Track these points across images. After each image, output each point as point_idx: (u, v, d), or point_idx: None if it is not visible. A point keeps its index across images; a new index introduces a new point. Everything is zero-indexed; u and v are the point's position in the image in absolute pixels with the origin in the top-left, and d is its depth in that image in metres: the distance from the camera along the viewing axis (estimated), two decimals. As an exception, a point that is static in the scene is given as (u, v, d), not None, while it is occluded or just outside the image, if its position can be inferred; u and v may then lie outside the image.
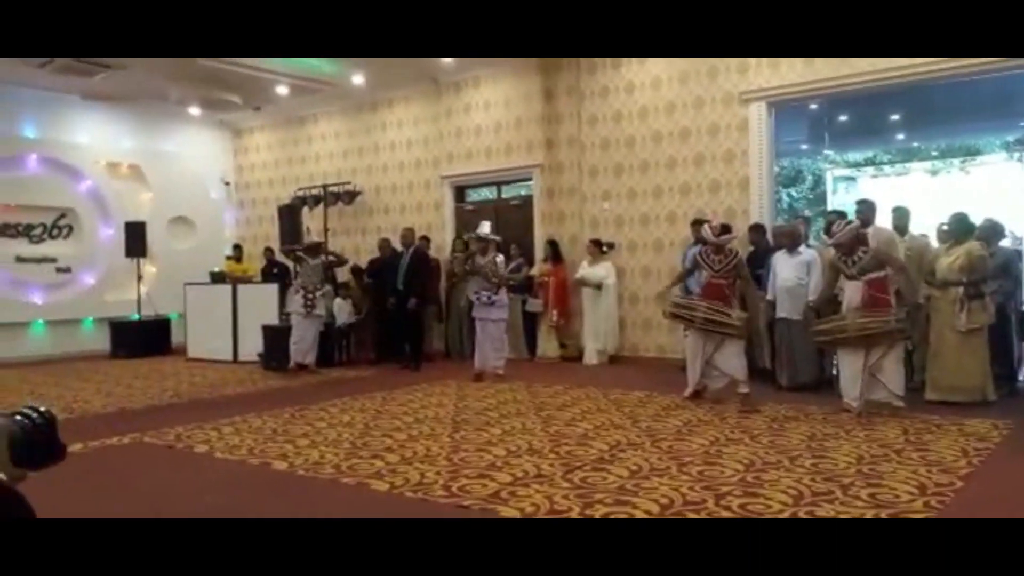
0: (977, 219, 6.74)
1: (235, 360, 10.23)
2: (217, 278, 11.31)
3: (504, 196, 11.28)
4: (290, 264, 10.63)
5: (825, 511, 3.64)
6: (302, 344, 9.08)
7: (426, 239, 10.51)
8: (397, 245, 10.09)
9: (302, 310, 9.02)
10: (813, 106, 10.77)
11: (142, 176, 12.46)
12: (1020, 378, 7.05)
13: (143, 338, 11.45)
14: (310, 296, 9.06)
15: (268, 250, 11.96)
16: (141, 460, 5.16)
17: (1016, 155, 11.80)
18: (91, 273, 11.83)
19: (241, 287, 10.66)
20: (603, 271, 9.41)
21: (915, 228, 7.90)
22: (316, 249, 9.42)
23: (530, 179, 10.48)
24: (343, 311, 10.10)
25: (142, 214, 12.00)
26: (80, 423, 6.28)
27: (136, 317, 11.62)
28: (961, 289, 6.26)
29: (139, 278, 11.57)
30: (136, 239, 11.33)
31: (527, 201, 10.59)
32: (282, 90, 11.06)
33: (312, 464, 4.80)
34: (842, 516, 3.56)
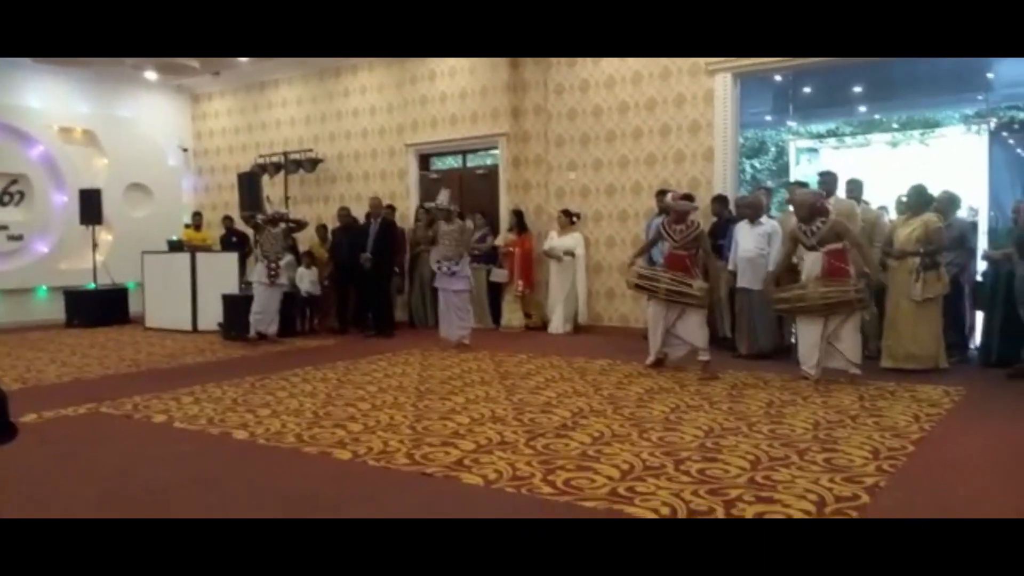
0: (935, 191, 6.86)
1: (194, 330, 10.08)
2: (175, 246, 11.08)
3: (469, 165, 11.19)
4: (249, 232, 10.46)
5: (782, 475, 3.71)
6: (265, 315, 8.95)
7: (391, 208, 10.40)
8: (358, 214, 9.99)
9: (266, 279, 8.87)
10: (778, 77, 10.84)
11: (97, 142, 12.11)
12: (971, 346, 7.25)
13: (99, 307, 11.18)
14: (273, 265, 8.92)
15: (227, 218, 11.75)
16: (98, 430, 5.06)
17: (974, 128, 12.00)
18: (44, 241, 11.52)
19: (200, 256, 10.46)
20: (571, 241, 9.41)
21: (875, 199, 8.02)
22: (276, 219, 9.27)
23: (496, 148, 10.39)
24: (306, 280, 9.98)
25: (97, 181, 11.70)
26: (34, 393, 6.14)
27: (92, 286, 11.36)
28: (917, 259, 6.39)
29: (94, 246, 11.29)
30: (91, 206, 11.02)
31: (492, 170, 10.51)
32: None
33: (273, 433, 4.76)
34: (798, 480, 3.64)
